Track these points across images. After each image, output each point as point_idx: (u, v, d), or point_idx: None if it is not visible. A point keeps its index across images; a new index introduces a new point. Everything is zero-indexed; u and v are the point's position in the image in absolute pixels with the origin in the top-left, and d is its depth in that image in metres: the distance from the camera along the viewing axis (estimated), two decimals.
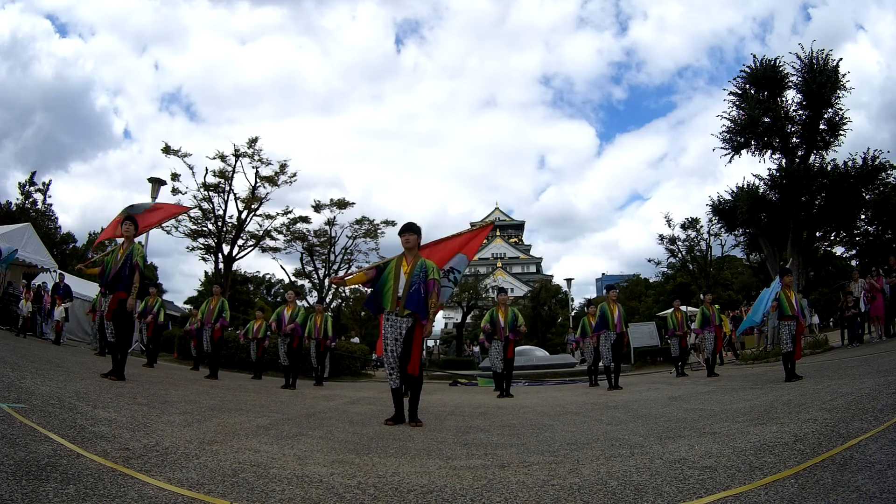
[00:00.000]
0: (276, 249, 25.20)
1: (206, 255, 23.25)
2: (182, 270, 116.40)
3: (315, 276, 27.58)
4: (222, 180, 22.27)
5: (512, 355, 8.59)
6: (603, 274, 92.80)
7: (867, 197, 15.43)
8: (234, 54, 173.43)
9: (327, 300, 26.32)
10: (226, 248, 22.61)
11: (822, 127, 14.97)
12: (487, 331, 8.67)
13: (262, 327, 10.92)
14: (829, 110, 14.76)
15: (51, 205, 31.28)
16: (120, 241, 6.11)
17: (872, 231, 18.08)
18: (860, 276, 11.84)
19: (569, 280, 30.49)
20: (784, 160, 15.52)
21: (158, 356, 11.28)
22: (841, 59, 14.66)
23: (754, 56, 15.94)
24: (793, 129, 15.37)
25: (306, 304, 21.27)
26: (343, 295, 30.27)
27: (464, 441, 3.40)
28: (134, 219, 6.00)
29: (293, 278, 28.73)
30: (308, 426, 3.90)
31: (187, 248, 23.04)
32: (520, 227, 77.89)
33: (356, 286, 5.11)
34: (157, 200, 14.52)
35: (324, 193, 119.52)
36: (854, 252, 20.71)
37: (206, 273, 33.16)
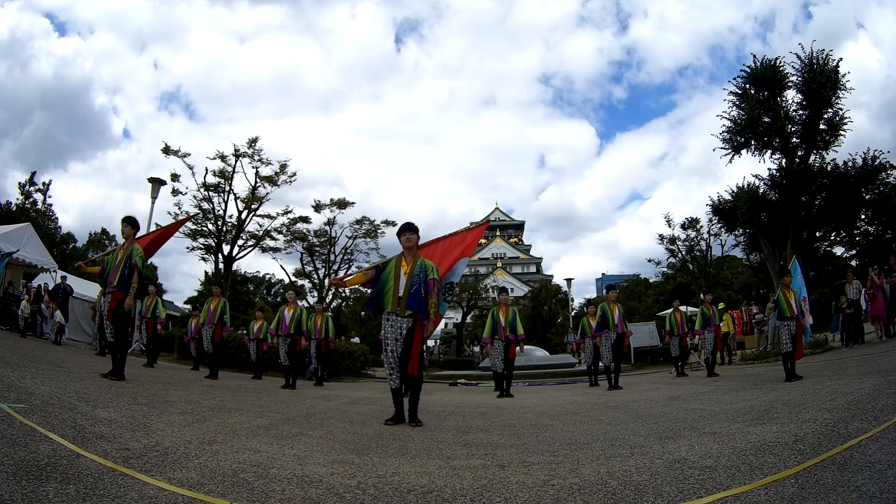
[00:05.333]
0: (276, 249, 25.19)
1: (206, 255, 23.25)
2: (182, 270, 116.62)
3: (315, 276, 27.58)
4: (222, 180, 22.26)
5: (514, 355, 8.58)
6: (603, 274, 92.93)
7: (867, 197, 15.45)
8: (233, 53, 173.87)
9: (327, 300, 26.31)
10: (226, 248, 22.60)
11: (822, 127, 14.98)
12: (488, 342, 8.65)
13: (263, 327, 10.93)
14: (829, 110, 14.77)
15: (51, 205, 31.33)
16: (120, 241, 6.11)
17: (872, 231, 18.08)
18: (855, 277, 11.82)
19: (569, 280, 30.56)
20: (784, 160, 15.53)
21: (158, 356, 11.28)
22: (841, 58, 14.70)
23: (754, 56, 15.98)
24: (793, 129, 15.38)
25: (307, 305, 21.27)
26: (343, 295, 30.27)
27: (464, 441, 3.40)
28: (134, 220, 6.00)
29: (293, 278, 28.73)
30: (308, 426, 3.90)
31: (187, 248, 23.02)
32: (520, 226, 77.88)
33: (356, 286, 5.09)
34: (154, 220, 14.75)
35: (324, 193, 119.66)
36: (854, 252, 20.72)
37: (206, 273, 33.24)
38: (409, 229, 4.31)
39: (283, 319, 9.01)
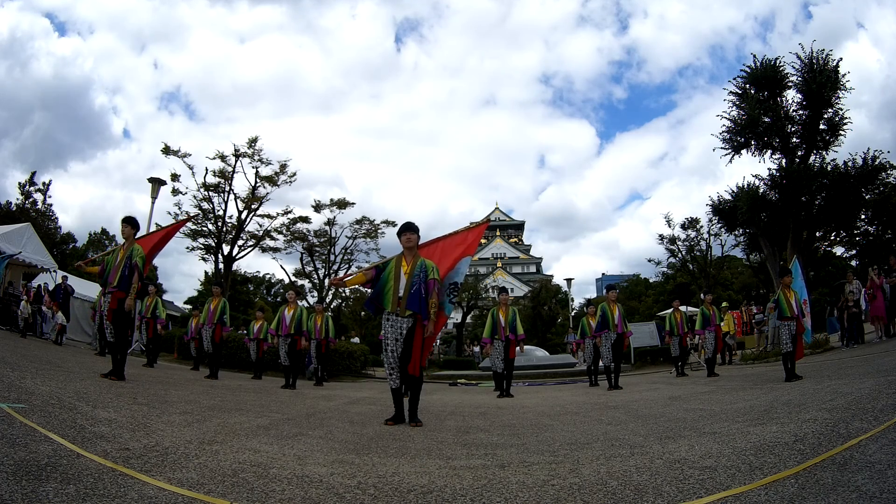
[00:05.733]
0: (276, 249, 25.19)
1: (206, 255, 23.25)
2: (182, 270, 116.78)
3: (315, 276, 27.59)
4: (222, 180, 22.27)
5: (513, 355, 8.56)
6: (603, 274, 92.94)
7: (867, 197, 15.44)
8: (233, 53, 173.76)
9: (327, 300, 26.32)
10: (226, 248, 22.61)
11: (822, 127, 14.98)
12: (487, 342, 8.61)
13: (263, 327, 10.93)
14: (829, 110, 14.77)
15: (51, 205, 31.30)
16: (121, 241, 6.11)
17: (872, 231, 18.08)
18: (855, 277, 11.81)
19: (569, 280, 30.49)
20: (784, 160, 15.53)
21: (158, 356, 11.27)
22: (841, 58, 14.71)
23: (754, 56, 15.98)
24: (793, 129, 15.38)
25: (307, 305, 21.27)
26: (343, 295, 30.28)
27: (464, 441, 3.40)
28: (134, 220, 6.00)
29: (293, 278, 28.73)
30: (308, 426, 3.90)
31: (187, 248, 23.03)
32: (520, 226, 77.83)
33: (356, 286, 5.08)
34: (154, 219, 14.72)
35: (324, 193, 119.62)
36: (854, 252, 20.71)
37: (206, 273, 33.22)
38: (409, 229, 4.30)
39: (283, 319, 9.01)
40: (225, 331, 9.43)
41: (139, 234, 6.23)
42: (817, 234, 16.35)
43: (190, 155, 21.73)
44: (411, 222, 4.35)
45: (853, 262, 20.91)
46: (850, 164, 14.87)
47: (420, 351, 4.11)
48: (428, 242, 4.78)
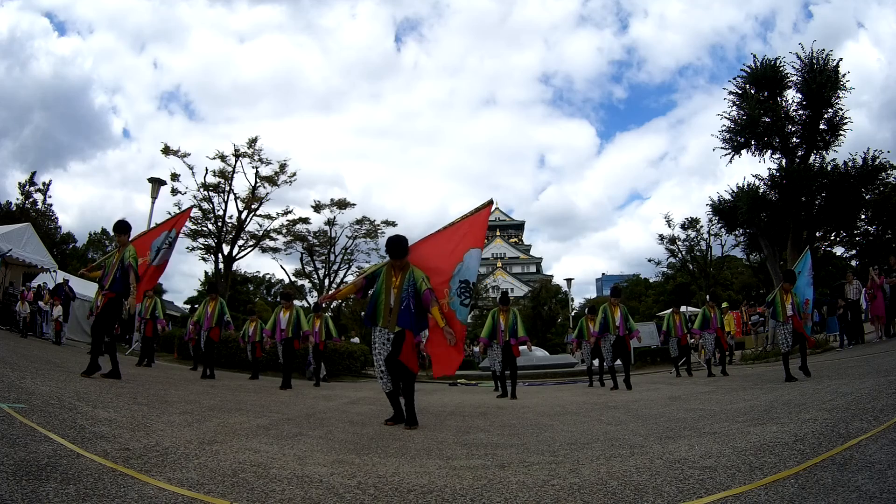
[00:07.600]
0: (276, 250, 25.23)
1: (206, 256, 23.29)
2: (182, 270, 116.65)
3: (315, 276, 27.61)
4: (222, 180, 22.29)
5: (518, 354, 8.32)
6: (603, 274, 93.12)
7: (867, 197, 15.45)
8: (232, 52, 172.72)
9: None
10: (226, 249, 22.63)
11: (822, 127, 14.99)
12: (485, 343, 8.49)
13: (258, 329, 10.84)
14: (829, 110, 14.78)
15: (51, 205, 31.33)
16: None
17: (872, 231, 18.08)
18: (855, 277, 11.81)
19: (569, 280, 30.46)
20: (784, 160, 15.55)
21: (154, 356, 11.18)
22: (841, 59, 14.73)
23: (754, 56, 16.00)
24: (793, 129, 15.40)
25: (306, 305, 21.28)
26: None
27: (464, 441, 3.40)
28: (123, 226, 6.12)
29: (293, 278, 28.74)
30: (308, 426, 3.90)
31: (187, 248, 23.07)
32: (520, 226, 77.83)
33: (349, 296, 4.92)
34: (154, 219, 14.67)
35: (324, 192, 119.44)
36: (854, 252, 20.72)
37: (205, 273, 33.25)
38: (395, 251, 3.94)
39: (278, 322, 8.86)
40: (229, 329, 9.34)
41: (133, 235, 6.35)
42: (817, 234, 16.36)
43: (189, 155, 21.79)
44: (399, 240, 4.01)
45: (853, 262, 20.92)
46: (850, 164, 14.88)
47: (410, 349, 3.94)
48: (421, 241, 4.36)
